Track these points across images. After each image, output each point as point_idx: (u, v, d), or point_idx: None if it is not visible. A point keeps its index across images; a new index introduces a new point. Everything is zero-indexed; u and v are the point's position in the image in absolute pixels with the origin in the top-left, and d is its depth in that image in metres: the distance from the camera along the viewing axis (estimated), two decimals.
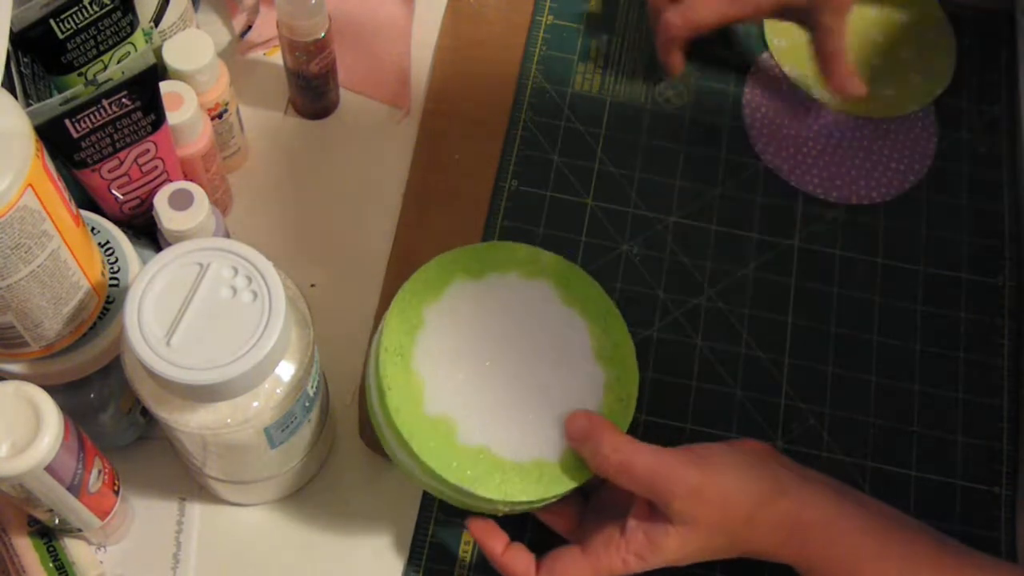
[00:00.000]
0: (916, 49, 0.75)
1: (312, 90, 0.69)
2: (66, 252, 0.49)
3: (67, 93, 0.52)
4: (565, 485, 0.53)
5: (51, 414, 0.48)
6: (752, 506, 0.51)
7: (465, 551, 0.60)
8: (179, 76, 0.61)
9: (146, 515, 0.60)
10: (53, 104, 0.51)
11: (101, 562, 0.58)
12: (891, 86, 0.74)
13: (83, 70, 0.58)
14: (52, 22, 0.54)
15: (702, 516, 0.51)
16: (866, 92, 0.70)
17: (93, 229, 0.55)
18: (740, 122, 0.73)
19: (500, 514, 0.56)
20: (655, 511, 0.52)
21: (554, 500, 0.54)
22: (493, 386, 0.54)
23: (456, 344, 0.55)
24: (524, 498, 0.53)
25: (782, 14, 0.69)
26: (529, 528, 0.59)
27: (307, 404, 0.53)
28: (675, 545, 0.52)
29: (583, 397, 0.55)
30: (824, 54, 0.69)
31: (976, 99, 0.74)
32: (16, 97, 0.51)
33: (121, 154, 0.56)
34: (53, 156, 0.50)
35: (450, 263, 0.57)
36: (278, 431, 0.51)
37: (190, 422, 0.48)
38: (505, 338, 0.56)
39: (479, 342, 0.55)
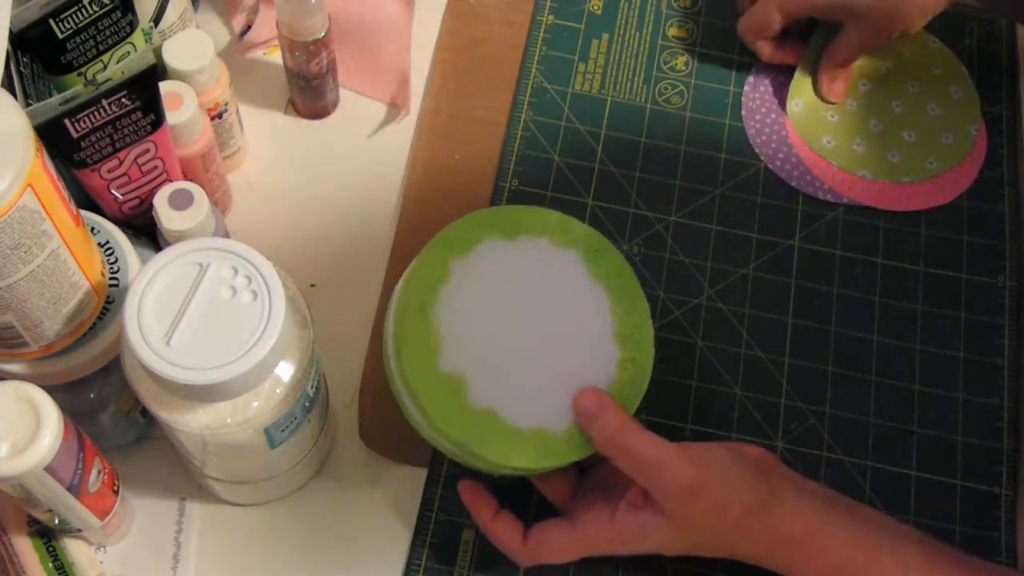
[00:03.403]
0: (943, 112, 0.73)
1: (312, 90, 0.69)
2: (66, 252, 0.49)
3: (67, 93, 0.52)
4: (565, 457, 0.54)
5: (51, 414, 0.48)
6: (743, 512, 0.52)
7: (465, 551, 0.60)
8: (179, 76, 0.61)
9: (146, 515, 0.60)
10: (53, 104, 0.51)
11: (101, 562, 0.58)
12: (923, 153, 0.72)
13: (83, 70, 0.58)
14: (52, 22, 0.54)
15: (693, 515, 0.51)
16: (843, 98, 0.72)
17: (93, 229, 0.55)
18: (740, 122, 0.73)
19: (497, 475, 0.56)
20: (649, 500, 0.52)
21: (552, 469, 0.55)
22: (509, 349, 0.54)
23: (478, 303, 0.55)
24: (523, 464, 0.53)
25: (831, 11, 0.70)
26: (534, 502, 0.60)
27: (307, 404, 0.53)
28: (662, 537, 0.52)
29: (595, 373, 0.55)
30: (835, 58, 0.71)
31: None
32: (16, 97, 0.51)
33: (121, 154, 0.56)
34: (53, 156, 0.49)
35: (484, 220, 0.56)
36: (278, 431, 0.51)
37: (190, 422, 0.48)
38: (527, 303, 0.55)
39: (501, 304, 0.55)
